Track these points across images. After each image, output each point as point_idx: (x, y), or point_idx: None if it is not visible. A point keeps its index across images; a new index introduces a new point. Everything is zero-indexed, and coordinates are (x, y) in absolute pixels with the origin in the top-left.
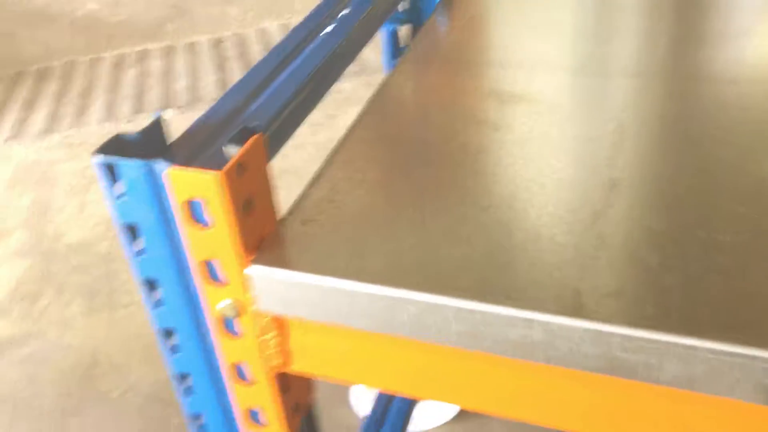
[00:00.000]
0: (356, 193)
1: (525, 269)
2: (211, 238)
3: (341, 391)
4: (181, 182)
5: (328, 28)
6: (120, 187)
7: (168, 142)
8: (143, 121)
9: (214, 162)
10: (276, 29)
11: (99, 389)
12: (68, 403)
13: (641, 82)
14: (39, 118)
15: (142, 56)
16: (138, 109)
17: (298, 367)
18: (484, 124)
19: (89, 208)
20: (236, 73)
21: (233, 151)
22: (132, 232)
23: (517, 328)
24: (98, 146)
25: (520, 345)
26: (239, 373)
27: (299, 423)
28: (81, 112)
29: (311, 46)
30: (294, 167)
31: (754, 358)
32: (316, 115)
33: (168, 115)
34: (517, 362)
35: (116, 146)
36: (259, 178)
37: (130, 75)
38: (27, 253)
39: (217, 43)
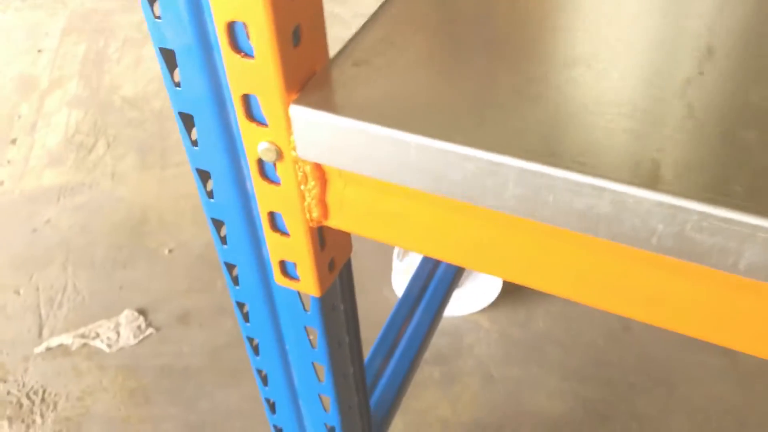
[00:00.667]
0: (419, 37)
1: (599, 135)
2: (253, 69)
3: (385, 272)
4: (224, 0)
5: None
6: (157, 7)
7: None
8: None
9: None
10: None
11: (148, 245)
12: (119, 256)
13: None
14: None
15: None
16: None
17: (336, 222)
18: None
19: (145, 63)
20: None
21: None
22: (170, 59)
23: (583, 196)
24: None
25: (585, 216)
26: (275, 223)
27: (333, 281)
28: None
29: None
30: (368, 12)
31: None
32: None
33: None
34: (578, 236)
35: None
36: (309, 3)
37: None
38: (82, 103)
39: None
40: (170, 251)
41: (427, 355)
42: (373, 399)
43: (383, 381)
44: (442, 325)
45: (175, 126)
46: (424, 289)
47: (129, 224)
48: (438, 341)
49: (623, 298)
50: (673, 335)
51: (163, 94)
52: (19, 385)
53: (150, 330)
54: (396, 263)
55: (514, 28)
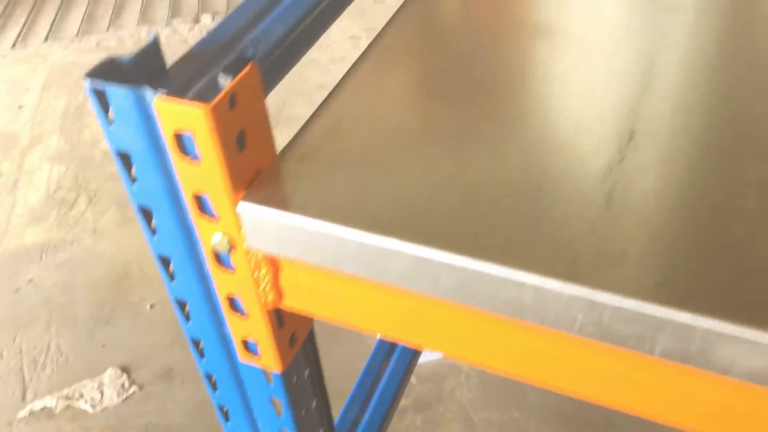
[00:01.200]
0: (362, 127)
1: (525, 224)
2: (201, 172)
3: None
4: (169, 114)
5: None
6: (111, 114)
7: (166, 66)
8: (180, 26)
9: (208, 92)
10: None
11: (131, 301)
12: (101, 312)
13: (685, 18)
14: (76, 18)
15: None
16: (175, 12)
17: (290, 304)
18: (506, 57)
19: None
20: None
21: (226, 82)
22: (126, 160)
23: (507, 288)
24: (89, 69)
25: (511, 305)
26: (234, 305)
27: (294, 354)
28: (118, 14)
29: None
30: (333, 82)
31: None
32: (355, 28)
33: (205, 20)
34: (507, 319)
35: (109, 70)
36: (253, 110)
37: None
38: (63, 158)
39: None
40: (152, 306)
41: (409, 401)
42: None
43: (360, 429)
44: (423, 370)
45: None
46: None
47: (111, 280)
48: (419, 387)
49: (552, 374)
50: None
51: None
52: None
53: (133, 388)
54: None
55: (453, 109)
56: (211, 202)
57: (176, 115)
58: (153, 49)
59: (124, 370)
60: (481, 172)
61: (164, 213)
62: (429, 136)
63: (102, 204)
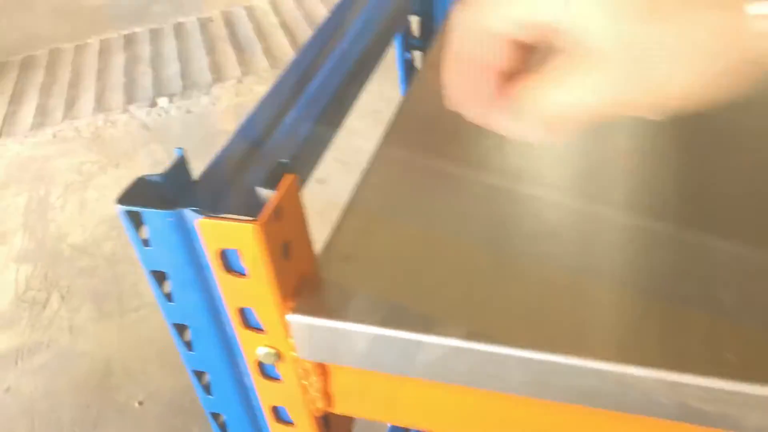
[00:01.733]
0: (397, 223)
1: (591, 314)
2: (248, 286)
3: None
4: (215, 233)
5: (342, 43)
6: (145, 233)
7: (192, 179)
8: (137, 111)
9: (247, 206)
10: (265, 4)
11: (117, 400)
12: (87, 416)
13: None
14: (28, 111)
15: (129, 40)
16: (130, 98)
17: (341, 409)
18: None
19: (89, 205)
20: (228, 55)
21: (268, 195)
22: (160, 277)
23: (586, 378)
24: (121, 193)
25: (589, 395)
26: (279, 415)
27: None
28: (71, 103)
29: (327, 64)
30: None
31: None
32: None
33: (162, 103)
34: (584, 409)
35: (139, 191)
36: (296, 220)
37: (118, 61)
38: (30, 257)
39: (206, 23)
40: (140, 403)
41: None
42: None
43: None
44: None
45: (129, 269)
46: None
47: (94, 380)
48: None
49: None
50: None
51: (113, 236)
52: None
53: None
54: None
55: (484, 200)
56: (257, 315)
57: (222, 232)
58: (180, 165)
59: None
60: (531, 262)
61: (202, 329)
62: (463, 225)
63: (75, 301)
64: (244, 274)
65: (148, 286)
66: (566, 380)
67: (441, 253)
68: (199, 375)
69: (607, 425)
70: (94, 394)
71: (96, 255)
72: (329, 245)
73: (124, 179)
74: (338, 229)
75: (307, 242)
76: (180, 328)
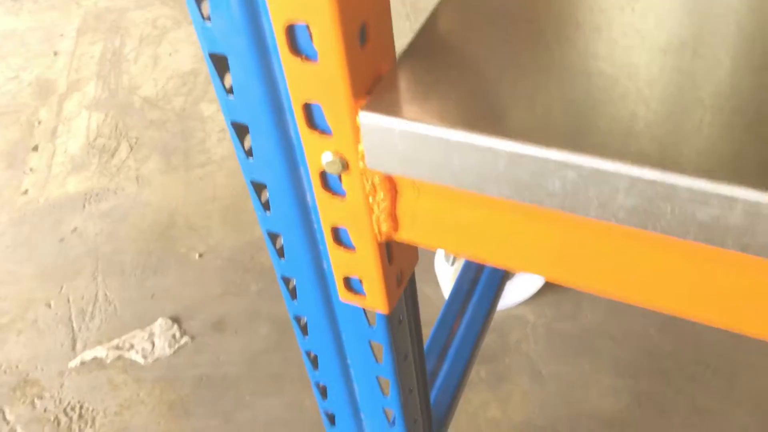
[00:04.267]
0: (490, 28)
1: (718, 135)
2: (316, 74)
3: (423, 268)
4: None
5: None
6: (206, 8)
7: None
8: None
9: None
10: None
11: (178, 250)
12: (148, 262)
13: None
14: None
15: None
16: None
17: (407, 235)
18: None
19: (163, 60)
20: None
21: None
22: (221, 65)
23: (710, 207)
24: None
25: (709, 228)
26: (339, 238)
27: (400, 295)
28: None
29: None
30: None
31: None
32: None
33: None
34: (702, 248)
35: None
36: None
37: None
38: (102, 106)
39: None
40: (200, 255)
41: None
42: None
43: (438, 382)
44: None
45: (198, 125)
46: (475, 282)
47: (157, 229)
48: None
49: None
50: None
51: (183, 92)
52: (55, 401)
53: (185, 339)
54: (444, 267)
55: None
56: (325, 113)
57: (292, 0)
58: None
59: (175, 320)
60: (649, 73)
61: (263, 129)
62: (566, 33)
63: (144, 152)
64: (313, 59)
65: (215, 144)
66: (684, 208)
67: (544, 63)
68: (259, 189)
69: (725, 271)
70: (157, 243)
71: (166, 109)
72: (411, 46)
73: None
74: (422, 31)
75: (387, 28)
76: (239, 128)
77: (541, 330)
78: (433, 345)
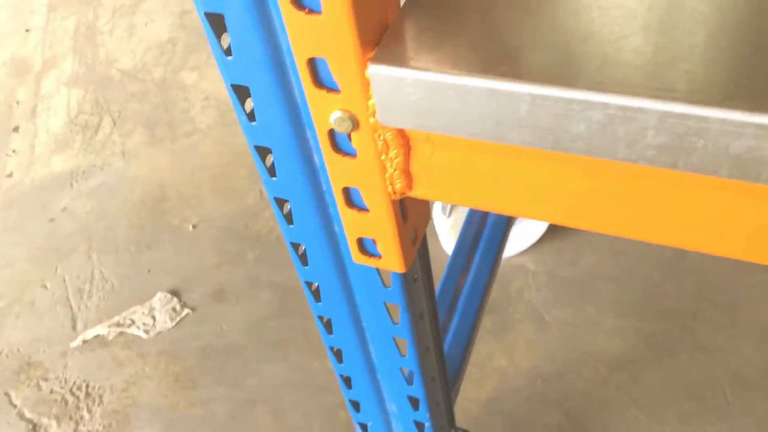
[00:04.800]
0: None
1: (750, 61)
2: (320, 27)
3: None
4: None
5: None
6: None
7: None
8: None
9: None
10: None
11: (171, 223)
12: (142, 237)
13: None
14: None
15: None
16: None
17: (422, 192)
18: None
19: (139, 31)
20: None
21: None
22: (218, 24)
23: (744, 138)
24: None
25: (743, 162)
26: (350, 199)
27: (415, 253)
28: None
29: None
30: None
31: None
32: None
33: None
34: (738, 185)
35: None
36: None
37: None
38: (80, 81)
39: None
40: (194, 226)
41: None
42: None
43: (450, 337)
44: None
45: (180, 94)
46: (479, 234)
47: (148, 203)
48: None
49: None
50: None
51: (162, 62)
52: (61, 382)
53: (186, 311)
54: (441, 219)
55: None
56: (332, 68)
57: None
58: None
59: (174, 293)
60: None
61: (265, 90)
62: None
63: (127, 125)
64: (316, 11)
65: (199, 112)
66: (717, 141)
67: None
68: (263, 153)
69: (753, 206)
70: (149, 217)
71: (146, 80)
72: None
73: (171, 3)
74: None
75: None
76: (240, 90)
77: (542, 278)
78: (442, 300)
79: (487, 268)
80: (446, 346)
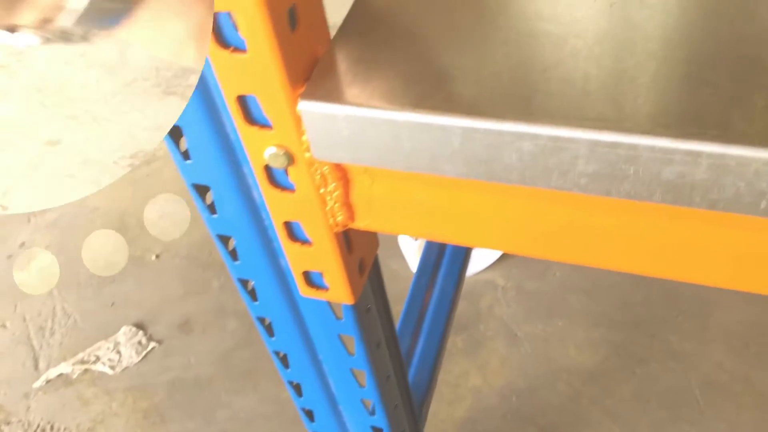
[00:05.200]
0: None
1: (675, 89)
2: (247, 65)
3: (387, 243)
4: None
5: None
6: None
7: None
8: None
9: None
10: None
11: (133, 254)
12: None
13: None
14: None
15: None
16: None
17: (364, 223)
18: None
19: None
20: None
21: None
22: None
23: (674, 164)
24: None
25: (675, 186)
26: (293, 233)
27: (364, 283)
28: None
29: None
30: None
31: None
32: None
33: None
34: (670, 209)
35: None
36: None
37: None
38: None
39: None
40: (157, 256)
41: None
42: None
43: (415, 361)
44: None
45: None
46: (441, 251)
47: None
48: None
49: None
50: None
51: None
52: (24, 425)
53: (152, 344)
54: (408, 240)
55: None
56: (262, 105)
57: None
58: None
59: (139, 326)
60: (587, 33)
61: (197, 129)
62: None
63: None
64: (241, 49)
65: None
66: (647, 168)
67: (483, 35)
68: (202, 192)
69: (693, 231)
70: None
71: None
72: (345, 25)
73: None
74: (354, 9)
75: (318, 7)
76: (173, 129)
77: (511, 292)
78: (406, 323)
79: (450, 287)
80: (412, 371)
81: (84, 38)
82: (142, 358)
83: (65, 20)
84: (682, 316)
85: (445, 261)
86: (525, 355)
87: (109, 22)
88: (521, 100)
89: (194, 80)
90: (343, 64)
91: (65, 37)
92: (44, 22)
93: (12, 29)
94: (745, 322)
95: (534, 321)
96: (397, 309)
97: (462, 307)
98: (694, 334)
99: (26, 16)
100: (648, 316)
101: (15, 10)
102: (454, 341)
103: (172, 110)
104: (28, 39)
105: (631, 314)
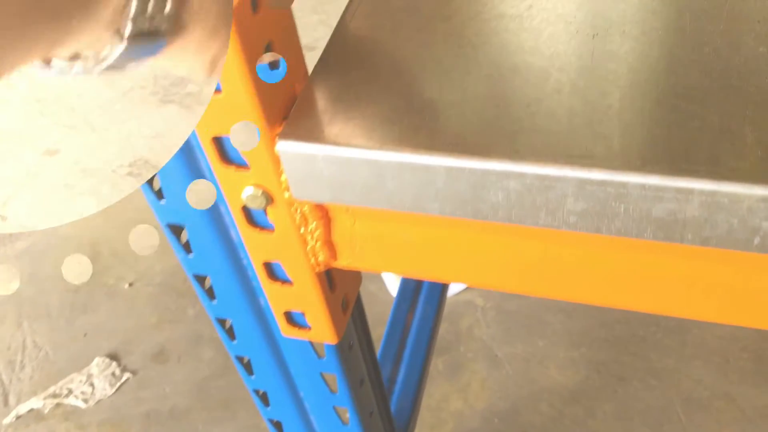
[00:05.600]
0: (400, 36)
1: (662, 127)
2: (222, 105)
3: None
4: None
5: None
6: None
7: None
8: None
9: None
10: None
11: (106, 282)
12: (76, 299)
13: None
14: None
15: None
16: None
17: (346, 261)
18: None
19: None
20: None
21: None
22: None
23: (665, 202)
24: None
25: (667, 224)
26: (273, 273)
27: (348, 321)
28: None
29: None
30: None
31: None
32: None
33: None
34: (660, 246)
35: None
36: (278, 16)
37: None
38: None
39: None
40: (130, 285)
41: None
42: (392, 408)
43: (397, 389)
44: None
45: None
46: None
47: None
48: None
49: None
50: None
51: None
52: None
53: (126, 375)
54: None
55: (485, 23)
56: None
57: None
58: None
59: (113, 357)
60: (569, 74)
61: (171, 169)
62: (463, 46)
63: None
64: (216, 89)
65: None
66: (638, 206)
67: (463, 70)
68: (177, 231)
69: (684, 267)
70: None
71: None
72: (325, 57)
73: None
74: (330, 45)
75: (295, 49)
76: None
77: (491, 313)
78: (387, 350)
79: (432, 308)
80: (395, 400)
81: (118, 68)
82: (116, 390)
83: (113, 52)
84: (662, 333)
85: (425, 284)
86: (506, 376)
87: (148, 53)
88: (506, 136)
89: (200, 113)
90: (322, 101)
91: (101, 67)
92: (89, 53)
93: (48, 61)
94: (725, 338)
95: (514, 342)
96: (376, 333)
97: (442, 328)
98: (674, 351)
99: (71, 48)
100: (628, 335)
101: (60, 41)
102: (435, 363)
103: (171, 119)
104: (61, 71)
105: (611, 333)
